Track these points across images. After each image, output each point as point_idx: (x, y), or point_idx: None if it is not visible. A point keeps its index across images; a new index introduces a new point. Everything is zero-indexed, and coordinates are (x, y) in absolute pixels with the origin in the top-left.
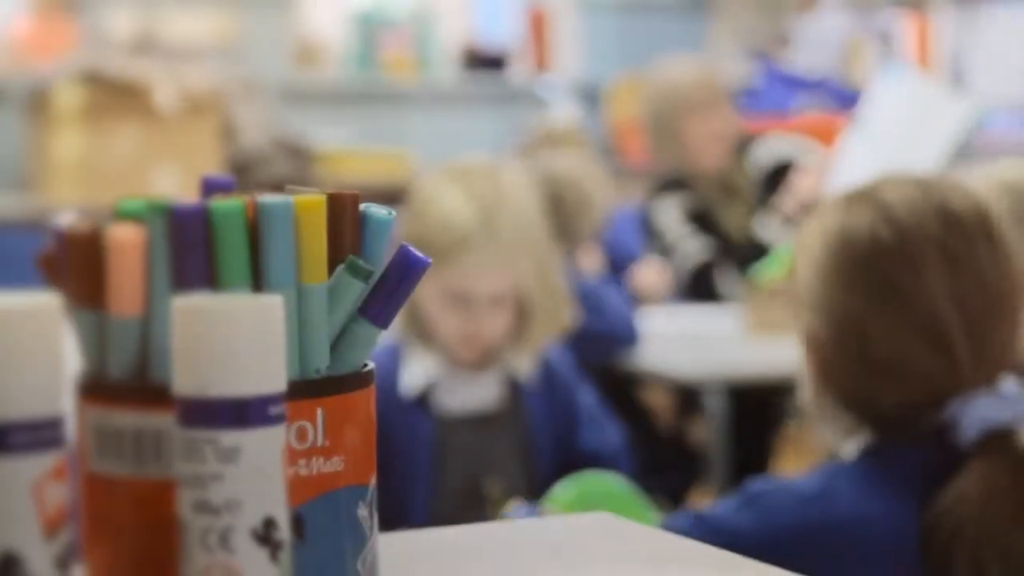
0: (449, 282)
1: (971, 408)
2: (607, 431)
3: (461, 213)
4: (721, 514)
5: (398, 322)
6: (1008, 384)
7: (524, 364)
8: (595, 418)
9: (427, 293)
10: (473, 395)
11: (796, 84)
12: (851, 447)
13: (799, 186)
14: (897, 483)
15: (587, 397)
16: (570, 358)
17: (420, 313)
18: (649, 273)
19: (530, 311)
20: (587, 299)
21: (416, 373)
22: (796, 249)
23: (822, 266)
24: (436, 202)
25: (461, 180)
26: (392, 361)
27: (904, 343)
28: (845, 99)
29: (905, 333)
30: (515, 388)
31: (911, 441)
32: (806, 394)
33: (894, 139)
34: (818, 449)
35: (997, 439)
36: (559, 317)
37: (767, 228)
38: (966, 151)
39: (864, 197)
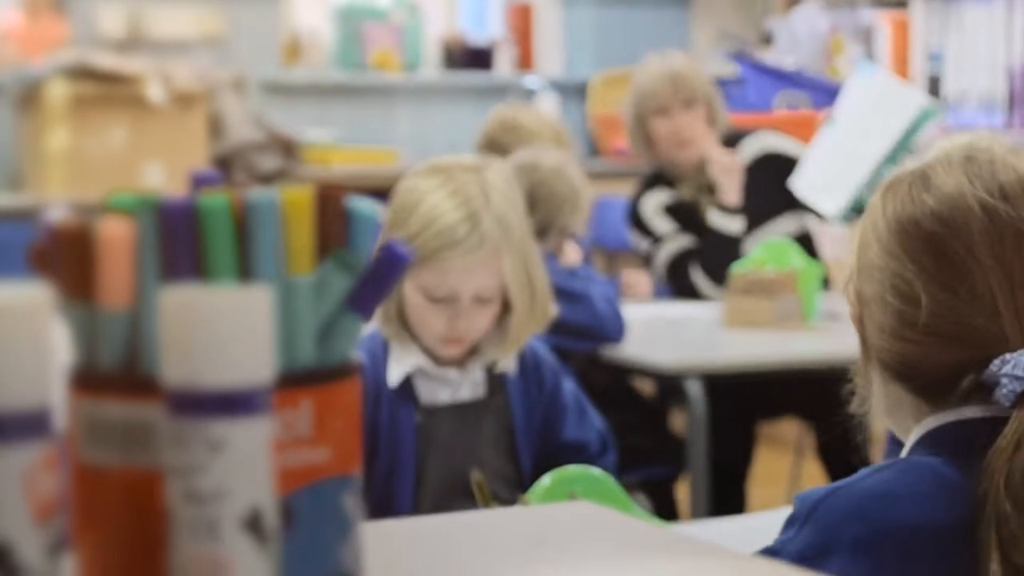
0: (433, 282)
1: (1012, 365)
2: (591, 422)
3: (446, 214)
4: (783, 543)
5: (380, 317)
6: None
7: (507, 357)
8: (578, 409)
9: (410, 291)
10: (456, 386)
11: (778, 80)
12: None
13: (715, 173)
14: (953, 468)
15: (570, 388)
16: (551, 349)
17: (402, 309)
18: (636, 277)
19: (513, 308)
20: (575, 293)
21: (400, 364)
22: (858, 231)
23: (879, 245)
24: (421, 202)
25: (445, 179)
26: (378, 351)
27: (953, 310)
28: (827, 95)
29: (954, 300)
30: (498, 379)
31: (958, 412)
32: (861, 379)
33: (857, 135)
34: (796, 443)
35: None
36: (542, 313)
37: (715, 219)
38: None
39: (915, 175)
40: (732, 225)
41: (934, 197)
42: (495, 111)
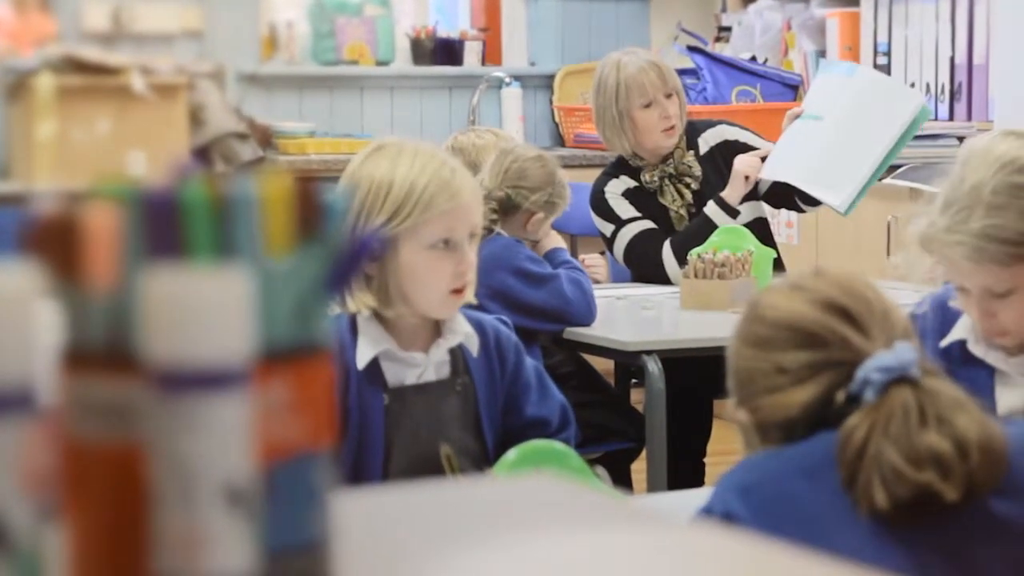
0: (439, 231)
1: (871, 365)
2: (552, 397)
3: (423, 170)
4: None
5: (362, 298)
6: (900, 344)
7: (467, 332)
8: (540, 386)
9: (409, 257)
10: (421, 369)
11: (734, 73)
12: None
13: (739, 170)
14: (828, 457)
15: (531, 364)
16: (516, 329)
17: (392, 285)
18: (595, 259)
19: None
20: (542, 276)
21: (368, 347)
22: (731, 359)
23: (749, 353)
24: (390, 177)
25: (395, 152)
26: (344, 335)
27: (804, 357)
28: (780, 87)
29: (805, 351)
30: (461, 359)
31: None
32: (746, 438)
33: (853, 131)
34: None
35: (901, 381)
36: None
37: (712, 210)
38: None
39: (753, 306)
40: (725, 221)
41: (773, 312)
42: (451, 138)
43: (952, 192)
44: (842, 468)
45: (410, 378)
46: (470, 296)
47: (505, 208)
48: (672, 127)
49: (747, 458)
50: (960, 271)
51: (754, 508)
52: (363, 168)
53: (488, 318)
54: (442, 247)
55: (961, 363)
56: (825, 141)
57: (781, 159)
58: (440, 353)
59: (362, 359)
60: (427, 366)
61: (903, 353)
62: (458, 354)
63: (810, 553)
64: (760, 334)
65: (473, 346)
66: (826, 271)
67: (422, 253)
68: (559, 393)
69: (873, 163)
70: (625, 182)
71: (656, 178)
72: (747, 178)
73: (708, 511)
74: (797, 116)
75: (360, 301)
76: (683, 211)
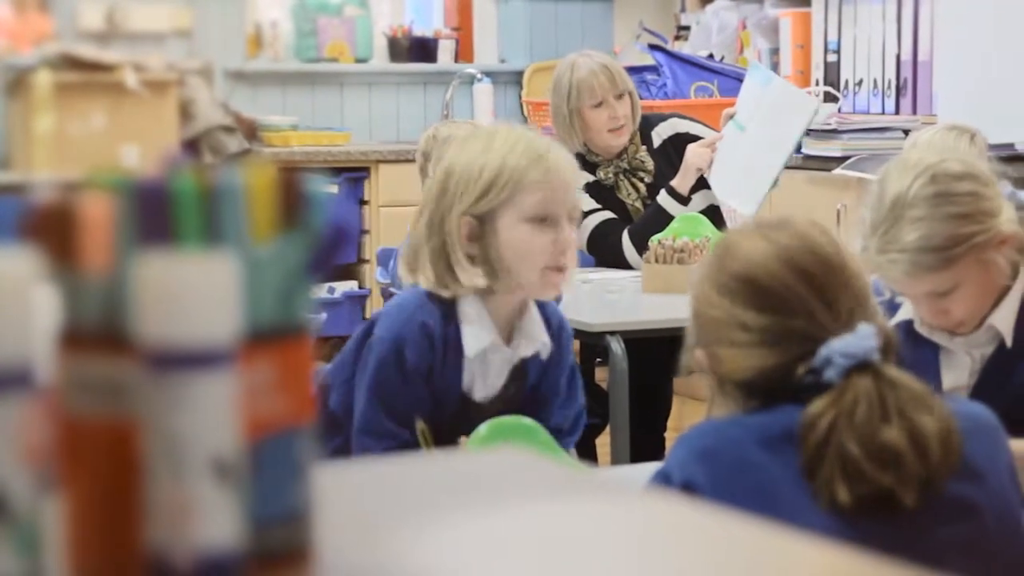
0: (536, 201)
1: (836, 347)
2: (574, 402)
3: (514, 148)
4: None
5: (468, 276)
6: (864, 327)
7: (543, 341)
8: (569, 388)
9: (509, 229)
10: (493, 378)
11: (693, 70)
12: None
13: (691, 162)
14: (787, 430)
15: (570, 365)
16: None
17: (495, 258)
18: None
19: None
20: None
21: (475, 335)
22: (696, 277)
23: (703, 304)
24: (483, 158)
25: (487, 136)
26: (445, 329)
27: (770, 320)
28: (736, 83)
29: (770, 314)
30: (523, 372)
31: (795, 394)
32: (711, 392)
33: (761, 140)
34: (708, 397)
35: (863, 367)
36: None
37: (664, 199)
38: (836, 129)
39: (721, 248)
40: (676, 209)
41: (741, 263)
42: (431, 128)
43: (876, 212)
44: (803, 454)
45: (482, 391)
46: (569, 279)
47: None
48: (621, 127)
49: (705, 422)
50: (902, 285)
51: (713, 476)
52: (459, 156)
53: (552, 306)
54: (539, 223)
55: (908, 342)
56: (743, 154)
57: (715, 172)
58: (506, 366)
59: (472, 347)
60: (497, 376)
61: (866, 338)
62: (523, 367)
63: (770, 525)
64: (725, 282)
65: (545, 353)
66: (793, 222)
67: (520, 226)
68: (582, 395)
69: (777, 172)
70: (584, 177)
71: (611, 174)
72: (698, 169)
73: (666, 475)
74: (731, 116)
75: (469, 279)
76: (639, 204)
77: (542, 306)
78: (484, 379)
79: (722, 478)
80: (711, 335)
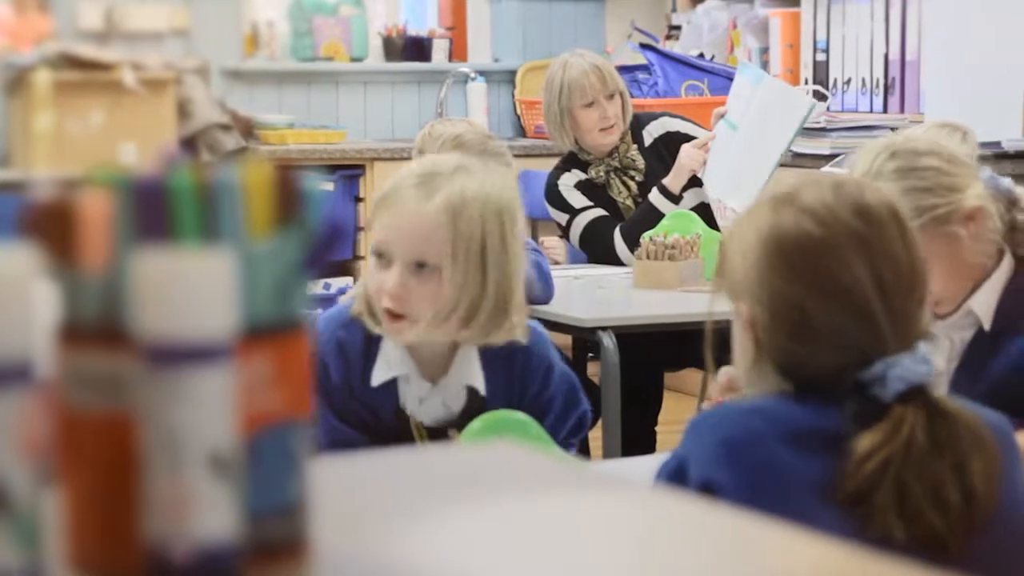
0: (375, 243)
1: (894, 367)
2: (569, 419)
3: (396, 175)
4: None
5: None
6: (922, 348)
7: (467, 385)
8: (563, 409)
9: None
10: (436, 405)
11: (684, 69)
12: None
13: (685, 163)
14: (816, 430)
15: (559, 387)
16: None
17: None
18: (553, 241)
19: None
20: None
21: (385, 366)
22: (727, 246)
23: (758, 260)
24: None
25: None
26: (368, 348)
27: (835, 319)
28: (726, 82)
29: (836, 310)
30: (478, 399)
31: (832, 395)
32: (741, 365)
33: (756, 138)
34: (698, 391)
35: (915, 391)
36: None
37: (655, 197)
38: (824, 127)
39: (787, 199)
40: (668, 207)
41: (808, 216)
42: (427, 125)
43: None
44: (848, 482)
45: (424, 413)
46: (411, 330)
47: None
48: (611, 126)
49: (727, 407)
50: None
51: (737, 479)
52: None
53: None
54: (378, 257)
55: None
56: (736, 152)
57: (709, 171)
58: (455, 393)
59: (377, 376)
60: (442, 405)
61: (923, 362)
62: (474, 393)
63: (791, 528)
64: (792, 259)
65: (480, 386)
66: (847, 186)
67: (371, 257)
68: (583, 403)
69: (771, 169)
70: (576, 175)
71: (602, 172)
72: (691, 170)
73: (680, 465)
74: (722, 115)
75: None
76: (629, 202)
77: (517, 350)
78: (419, 404)
79: (746, 481)
80: (757, 294)
